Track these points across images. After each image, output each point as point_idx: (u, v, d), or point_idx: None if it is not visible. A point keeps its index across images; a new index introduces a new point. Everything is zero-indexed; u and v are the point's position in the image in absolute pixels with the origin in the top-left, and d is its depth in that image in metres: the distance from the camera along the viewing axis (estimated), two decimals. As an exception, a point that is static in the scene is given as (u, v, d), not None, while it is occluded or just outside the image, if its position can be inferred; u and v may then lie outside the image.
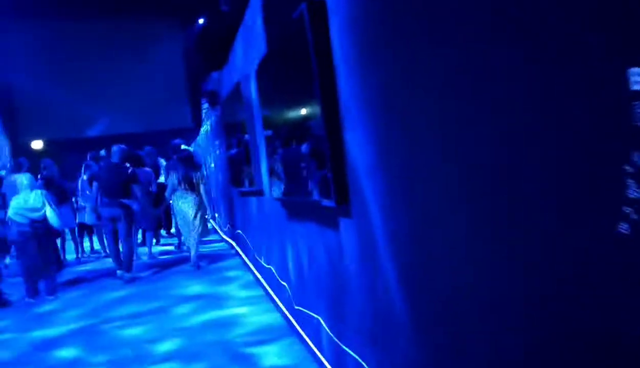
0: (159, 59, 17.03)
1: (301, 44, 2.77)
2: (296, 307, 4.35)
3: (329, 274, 3.30)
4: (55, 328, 5.58)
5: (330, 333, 3.37)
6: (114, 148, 7.66)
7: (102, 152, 9.60)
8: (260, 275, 6.23)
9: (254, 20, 4.83)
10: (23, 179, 9.55)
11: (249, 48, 5.23)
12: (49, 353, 4.87)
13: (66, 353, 4.84)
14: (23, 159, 10.51)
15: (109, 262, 8.06)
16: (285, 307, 4.85)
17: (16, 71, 16.42)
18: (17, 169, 10.24)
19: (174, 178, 7.87)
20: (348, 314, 2.98)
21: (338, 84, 2.60)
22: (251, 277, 6.86)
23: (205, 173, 8.96)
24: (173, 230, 10.53)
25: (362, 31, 2.22)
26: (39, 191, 6.42)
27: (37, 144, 16.70)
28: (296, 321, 4.40)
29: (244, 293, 6.19)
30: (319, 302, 3.63)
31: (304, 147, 3.15)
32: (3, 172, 10.51)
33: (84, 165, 9.31)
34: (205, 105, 13.22)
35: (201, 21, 17.00)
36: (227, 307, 5.73)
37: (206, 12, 16.66)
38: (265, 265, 5.83)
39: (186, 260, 8.37)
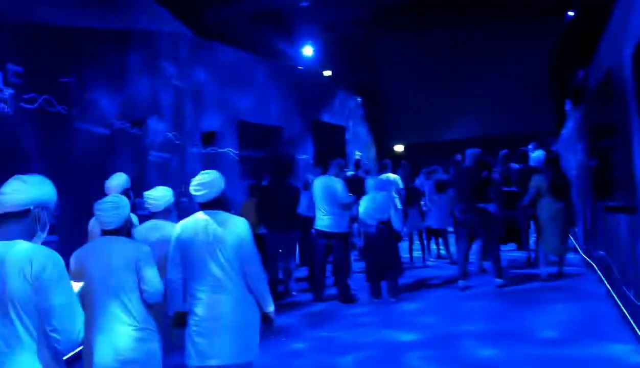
0: (522, 59, 16.23)
1: None
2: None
3: None
4: (405, 333, 5.53)
5: None
6: (468, 152, 7.40)
7: (458, 157, 9.64)
8: (627, 311, 4.98)
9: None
10: (389, 177, 10.23)
11: (624, 30, 4.14)
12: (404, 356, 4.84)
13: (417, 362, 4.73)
14: (388, 161, 11.23)
15: (454, 269, 7.79)
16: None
17: (385, 79, 17.90)
18: (382, 169, 11.03)
19: (539, 183, 7.10)
20: None
21: None
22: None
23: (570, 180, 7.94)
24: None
25: None
26: (385, 193, 6.58)
27: (399, 148, 17.85)
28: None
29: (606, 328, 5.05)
30: None
31: None
32: (351, 172, 11.50)
33: (422, 173, 9.39)
34: (569, 107, 11.88)
35: (570, 14, 15.48)
36: (591, 345, 4.75)
37: (577, 5, 15.09)
38: (636, 301, 4.60)
39: (537, 276, 7.45)
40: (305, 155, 12.29)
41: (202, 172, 3.38)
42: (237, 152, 9.88)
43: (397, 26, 16.11)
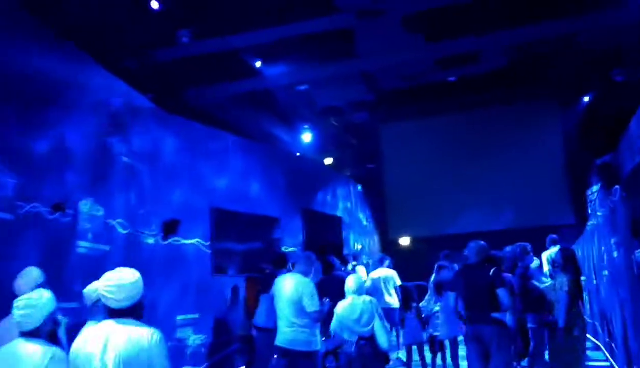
0: (533, 147, 15.04)
1: None
2: None
3: None
4: None
5: None
6: (471, 245, 5.87)
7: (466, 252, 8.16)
8: None
9: None
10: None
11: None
12: None
13: None
14: (383, 255, 10.02)
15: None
16: None
17: (389, 167, 16.75)
18: (377, 265, 9.73)
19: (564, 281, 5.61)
20: None
21: None
22: None
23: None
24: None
25: None
26: (367, 298, 5.04)
27: (404, 241, 16.38)
28: None
29: None
30: None
31: None
32: (353, 263, 10.09)
33: (436, 266, 7.81)
34: (595, 192, 10.50)
35: (586, 99, 14.47)
36: None
37: (593, 88, 14.10)
38: None
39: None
40: (294, 248, 10.90)
41: (119, 269, 2.81)
42: (208, 243, 8.53)
43: (401, 112, 15.19)
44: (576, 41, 11.12)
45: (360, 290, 5.06)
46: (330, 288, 5.76)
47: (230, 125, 11.18)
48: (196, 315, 7.98)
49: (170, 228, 7.87)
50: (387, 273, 9.03)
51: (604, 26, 10.21)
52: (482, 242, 5.77)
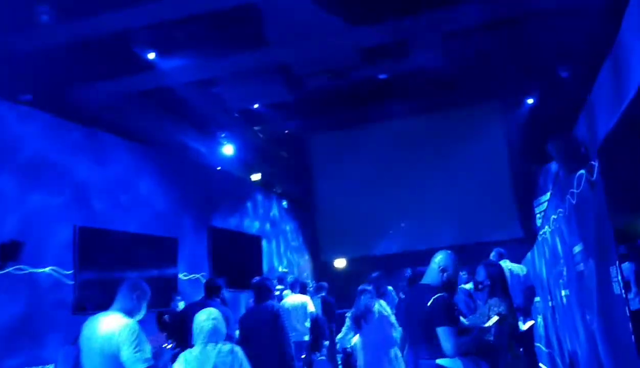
0: (475, 155, 13.74)
1: None
2: None
3: None
4: None
5: None
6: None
7: (408, 272, 7.06)
8: None
9: None
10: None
11: None
12: None
13: None
14: (297, 279, 8.50)
15: None
16: None
17: (321, 182, 15.18)
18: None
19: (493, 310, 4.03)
20: None
21: None
22: None
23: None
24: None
25: None
26: (228, 346, 3.36)
27: (340, 263, 14.75)
28: None
29: None
30: None
31: None
32: (278, 288, 8.43)
33: (358, 291, 6.18)
34: (544, 202, 9.26)
35: (530, 101, 13.35)
36: None
37: (534, 89, 13.00)
38: None
39: None
40: (198, 274, 9.09)
41: None
42: (70, 272, 6.67)
43: (330, 119, 13.69)
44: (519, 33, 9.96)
45: (215, 335, 3.35)
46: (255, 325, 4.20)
47: (131, 133, 9.36)
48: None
49: (9, 252, 5.98)
50: (298, 300, 7.39)
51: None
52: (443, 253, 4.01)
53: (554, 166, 9.20)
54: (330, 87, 11.34)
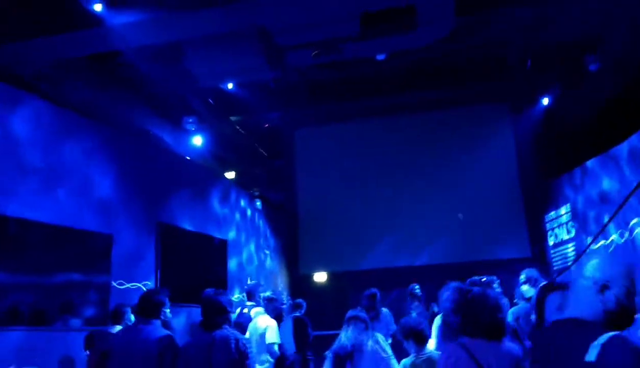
0: (478, 162, 12.07)
1: None
2: None
3: None
4: None
5: None
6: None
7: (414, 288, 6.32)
8: None
9: None
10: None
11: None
12: None
13: None
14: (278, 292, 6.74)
15: None
16: None
17: (303, 184, 13.39)
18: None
19: None
20: None
21: None
22: None
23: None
24: None
25: None
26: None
27: (320, 277, 12.91)
28: None
29: None
30: None
31: None
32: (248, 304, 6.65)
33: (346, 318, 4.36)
34: (557, 217, 7.67)
35: (545, 101, 11.66)
36: None
37: (549, 90, 11.34)
38: None
39: None
40: (140, 283, 7.21)
41: None
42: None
43: (317, 109, 12.00)
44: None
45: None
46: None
47: (71, 103, 7.51)
48: None
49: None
50: (260, 324, 5.58)
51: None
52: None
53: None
54: (316, 67, 9.62)
